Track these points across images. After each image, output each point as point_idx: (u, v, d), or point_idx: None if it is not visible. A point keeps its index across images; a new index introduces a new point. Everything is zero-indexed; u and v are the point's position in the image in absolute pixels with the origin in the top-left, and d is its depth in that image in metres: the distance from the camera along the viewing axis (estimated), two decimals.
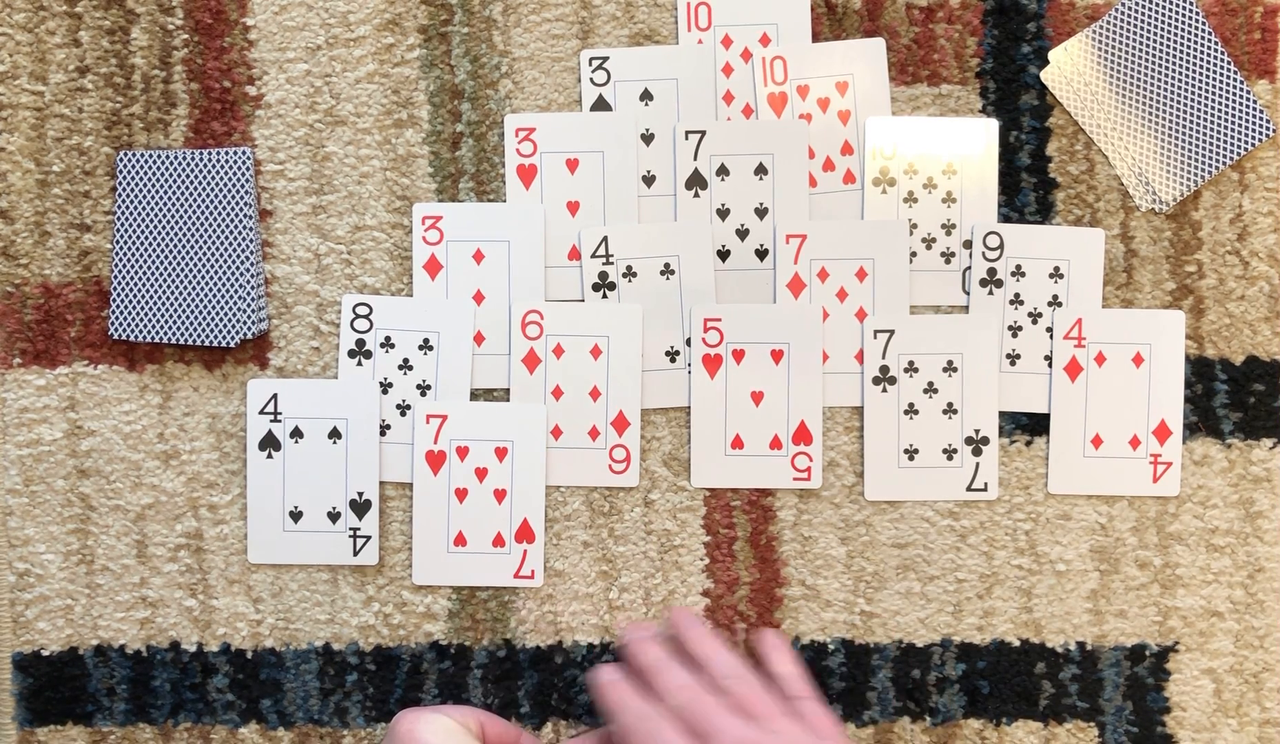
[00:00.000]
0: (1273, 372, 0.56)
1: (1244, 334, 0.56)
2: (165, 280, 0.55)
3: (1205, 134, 0.55)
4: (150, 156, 0.55)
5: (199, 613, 0.55)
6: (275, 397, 0.55)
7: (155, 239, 0.55)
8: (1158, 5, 0.55)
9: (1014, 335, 0.56)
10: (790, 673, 0.50)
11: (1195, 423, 0.56)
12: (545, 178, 0.56)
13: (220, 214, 0.54)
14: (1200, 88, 0.55)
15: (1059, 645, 0.55)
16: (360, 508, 0.55)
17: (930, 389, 0.55)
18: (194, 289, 0.54)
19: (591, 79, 0.56)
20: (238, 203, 0.54)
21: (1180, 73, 0.55)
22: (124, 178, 0.55)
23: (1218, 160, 0.55)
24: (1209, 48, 0.55)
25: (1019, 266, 0.56)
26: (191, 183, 0.55)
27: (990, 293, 0.56)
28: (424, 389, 0.55)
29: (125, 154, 0.55)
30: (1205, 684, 0.56)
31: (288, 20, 0.55)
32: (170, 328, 0.54)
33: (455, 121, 0.56)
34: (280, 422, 0.55)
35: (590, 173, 0.56)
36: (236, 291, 0.54)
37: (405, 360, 0.55)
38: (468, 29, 0.56)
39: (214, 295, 0.54)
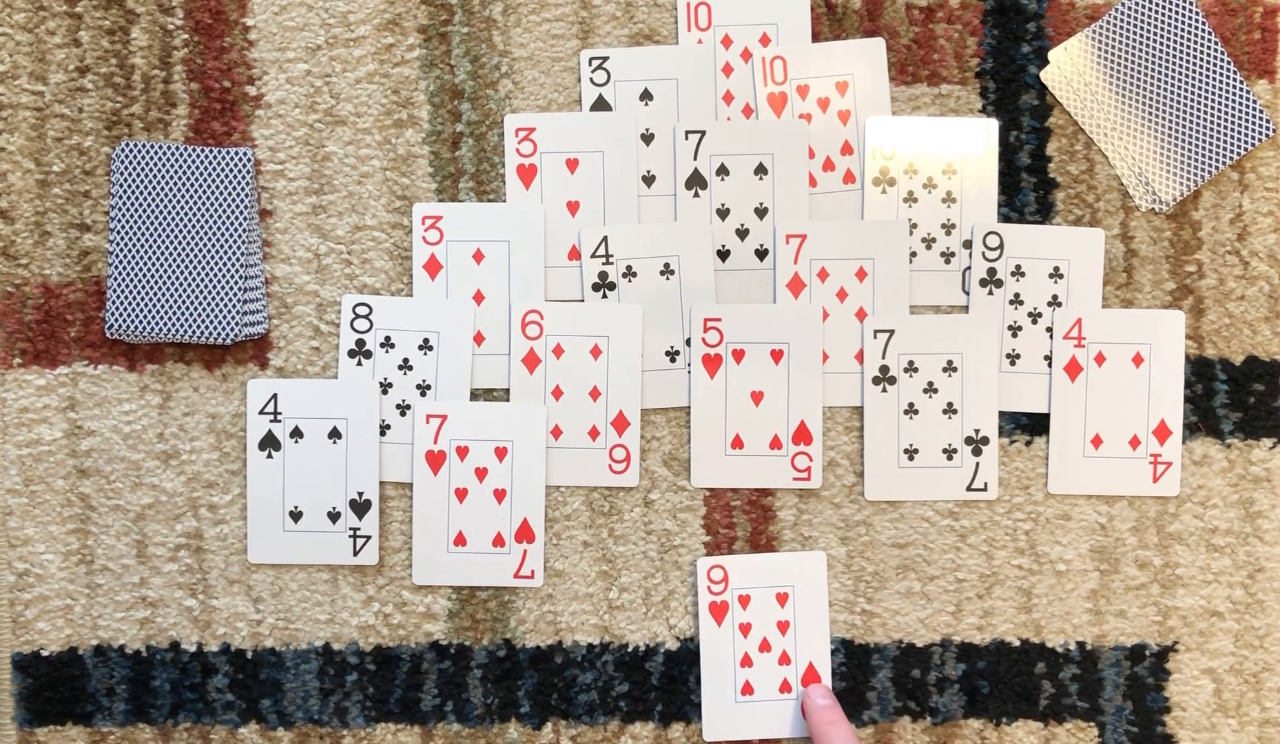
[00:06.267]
0: (1273, 371, 0.56)
1: (1244, 334, 0.56)
2: (163, 278, 0.54)
3: (1205, 134, 0.55)
4: (148, 149, 0.55)
5: (199, 613, 0.55)
6: (275, 396, 0.55)
7: (153, 238, 0.55)
8: (1158, 5, 0.55)
9: (1014, 335, 0.56)
10: None
11: (1195, 423, 0.56)
12: (545, 178, 0.56)
13: (220, 214, 0.54)
14: (1200, 88, 0.55)
15: (1059, 645, 0.55)
16: (360, 508, 0.55)
17: (930, 389, 0.55)
18: (192, 287, 0.54)
19: (591, 79, 0.56)
20: (238, 202, 0.54)
21: (1180, 73, 0.55)
22: (120, 172, 0.55)
23: (1218, 160, 0.55)
24: (1209, 48, 0.55)
25: (1019, 266, 0.56)
26: (191, 182, 0.54)
27: (990, 293, 0.56)
28: (424, 389, 0.55)
29: (124, 145, 0.55)
30: (1205, 684, 0.55)
31: (288, 20, 0.55)
32: (167, 325, 0.54)
33: (455, 121, 0.56)
34: (280, 421, 0.55)
35: (590, 173, 0.56)
36: (234, 289, 0.54)
37: (405, 360, 0.55)
38: (468, 29, 0.56)
39: (212, 293, 0.54)
